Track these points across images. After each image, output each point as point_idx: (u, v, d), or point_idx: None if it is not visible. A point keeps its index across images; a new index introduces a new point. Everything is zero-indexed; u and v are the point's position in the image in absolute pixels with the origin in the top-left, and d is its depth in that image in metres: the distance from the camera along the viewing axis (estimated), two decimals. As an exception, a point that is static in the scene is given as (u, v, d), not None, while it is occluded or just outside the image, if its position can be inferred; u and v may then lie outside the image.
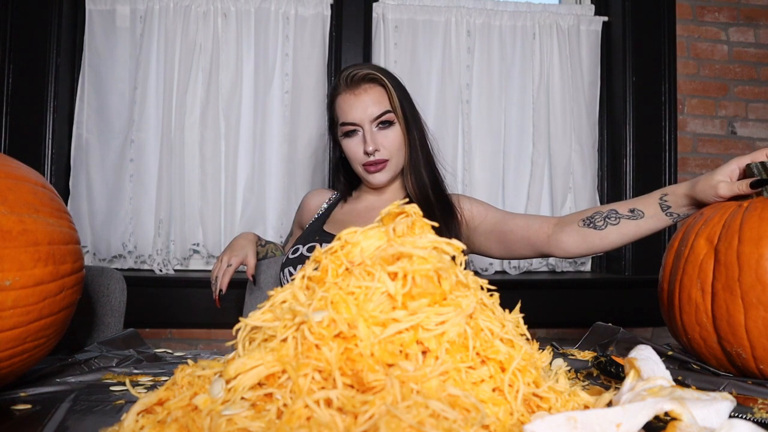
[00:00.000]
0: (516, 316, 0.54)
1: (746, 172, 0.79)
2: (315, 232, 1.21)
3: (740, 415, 0.53)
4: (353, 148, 1.15)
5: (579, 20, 2.00)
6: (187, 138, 1.85)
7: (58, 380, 0.68)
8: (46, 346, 0.65)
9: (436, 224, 0.53)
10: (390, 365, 0.44)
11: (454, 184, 1.27)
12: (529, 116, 1.99)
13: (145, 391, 0.64)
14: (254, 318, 0.49)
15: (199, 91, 1.88)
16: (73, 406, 0.58)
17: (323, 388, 0.42)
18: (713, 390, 0.57)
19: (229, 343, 0.52)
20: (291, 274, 1.13)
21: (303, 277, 0.51)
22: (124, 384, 0.67)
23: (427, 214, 1.09)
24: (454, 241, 0.51)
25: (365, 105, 1.13)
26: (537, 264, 2.00)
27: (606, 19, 2.04)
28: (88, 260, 1.82)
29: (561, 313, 1.87)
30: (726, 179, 0.81)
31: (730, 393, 0.61)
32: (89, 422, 0.54)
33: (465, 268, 0.52)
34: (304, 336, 0.44)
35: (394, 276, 0.47)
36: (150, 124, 1.85)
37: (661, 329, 1.87)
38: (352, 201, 1.27)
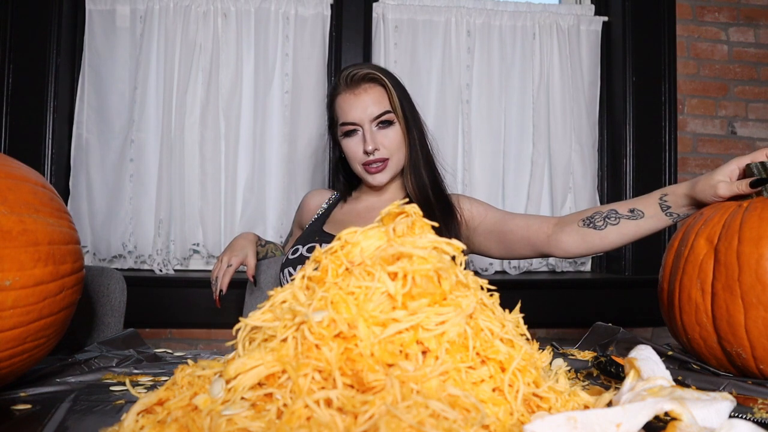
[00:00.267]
0: (516, 316, 0.54)
1: (746, 172, 0.79)
2: (315, 232, 1.21)
3: (740, 415, 0.53)
4: (353, 147, 1.15)
5: (579, 20, 2.00)
6: (187, 138, 1.85)
7: (58, 380, 0.68)
8: (46, 346, 0.65)
9: (436, 224, 0.53)
10: (390, 365, 0.44)
11: (454, 184, 1.27)
12: (529, 116, 1.99)
13: (145, 391, 0.64)
14: (254, 318, 0.49)
15: (199, 91, 1.88)
16: (73, 406, 0.58)
17: (323, 388, 0.42)
18: (713, 390, 0.57)
19: (229, 343, 0.52)
20: (291, 275, 1.13)
21: (303, 277, 0.51)
22: (124, 384, 0.67)
23: (427, 214, 1.09)
24: (454, 241, 0.51)
25: (365, 104, 1.13)
26: (537, 264, 2.00)
27: (606, 19, 2.04)
28: (88, 260, 1.82)
29: (561, 313, 1.87)
30: (726, 179, 0.81)
31: (730, 393, 0.61)
32: (89, 422, 0.54)
33: (465, 268, 0.52)
34: (304, 336, 0.44)
35: (394, 276, 0.47)
36: (150, 124, 1.85)
37: (661, 329, 1.87)
38: (352, 201, 1.27)
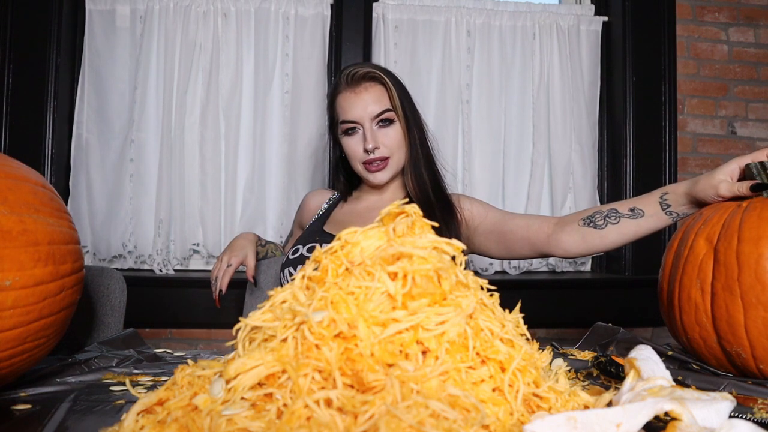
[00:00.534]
0: (516, 316, 0.54)
1: (746, 172, 0.79)
2: (315, 232, 1.21)
3: (740, 415, 0.53)
4: (353, 146, 1.15)
5: (579, 20, 2.00)
6: (187, 138, 1.85)
7: (58, 380, 0.68)
8: (46, 346, 0.65)
9: (436, 224, 0.53)
10: (390, 365, 0.44)
11: (454, 184, 1.27)
12: (529, 116, 1.99)
13: (145, 391, 0.64)
14: (254, 318, 0.49)
15: (199, 91, 1.88)
16: (73, 406, 0.58)
17: (323, 388, 0.42)
18: (713, 390, 0.57)
19: (229, 343, 0.52)
20: (291, 275, 1.13)
21: (303, 277, 0.51)
22: (124, 384, 0.67)
23: (428, 213, 1.09)
24: (454, 241, 0.51)
25: (365, 103, 1.13)
26: (537, 264, 2.00)
27: (606, 19, 2.04)
28: (88, 260, 1.82)
29: (561, 313, 1.87)
30: (727, 179, 0.81)
31: (730, 393, 0.61)
32: (89, 422, 0.54)
33: (465, 268, 0.52)
34: (304, 336, 0.44)
35: (394, 276, 0.47)
36: (150, 124, 1.85)
37: (661, 329, 1.87)
38: (352, 201, 1.27)
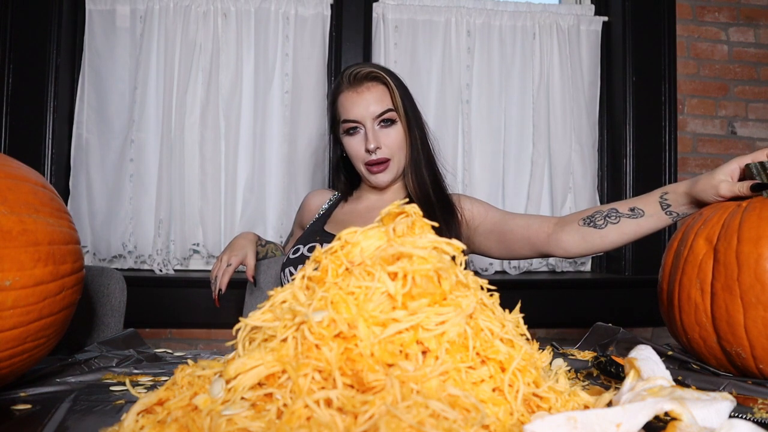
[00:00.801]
0: (516, 316, 0.54)
1: (746, 172, 0.79)
2: (316, 232, 1.21)
3: (740, 415, 0.53)
4: (355, 146, 1.15)
5: (579, 20, 2.00)
6: (187, 138, 1.85)
7: (58, 380, 0.68)
8: (46, 346, 0.65)
9: (436, 224, 0.53)
10: (390, 365, 0.44)
11: (454, 184, 1.27)
12: (529, 116, 1.99)
13: (145, 391, 0.64)
14: (254, 318, 0.49)
15: (199, 91, 1.88)
16: (73, 406, 0.58)
17: (323, 388, 0.42)
18: (713, 390, 0.57)
19: (229, 343, 0.52)
20: (292, 274, 1.13)
21: (303, 277, 0.51)
22: (124, 384, 0.67)
23: (428, 213, 1.09)
24: (454, 241, 0.51)
25: (367, 103, 1.13)
26: (537, 264, 2.00)
27: (606, 19, 2.04)
28: (88, 260, 1.82)
29: (561, 313, 1.87)
30: (727, 179, 0.81)
31: (730, 393, 0.61)
32: (89, 422, 0.54)
33: (465, 268, 0.52)
34: (304, 336, 0.44)
35: (394, 276, 0.47)
36: (150, 124, 1.85)
37: (661, 329, 1.87)
38: (353, 201, 1.27)
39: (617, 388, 0.53)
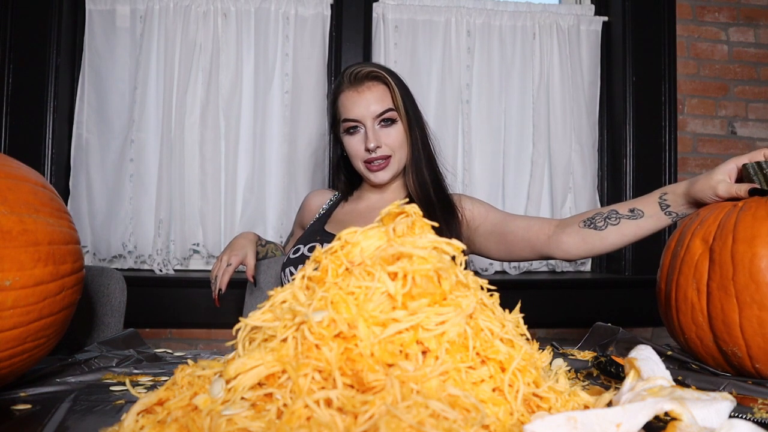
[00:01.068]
0: (516, 316, 0.54)
1: (742, 172, 0.79)
2: (316, 232, 1.21)
3: (740, 415, 0.53)
4: (355, 145, 1.16)
5: (579, 20, 2.00)
6: (187, 138, 1.85)
7: (58, 380, 0.68)
8: (46, 346, 0.65)
9: (436, 224, 0.53)
10: (390, 365, 0.44)
11: (454, 184, 1.27)
12: (529, 116, 1.99)
13: (145, 391, 0.64)
14: (254, 318, 0.49)
15: (199, 91, 1.88)
16: (73, 406, 0.58)
17: (323, 388, 0.42)
18: (713, 390, 0.57)
19: (229, 343, 0.52)
20: (292, 274, 1.13)
21: (303, 277, 0.51)
22: (124, 384, 0.67)
23: (428, 213, 1.09)
24: (454, 241, 0.51)
25: (368, 102, 1.13)
26: (537, 264, 2.00)
27: (606, 19, 2.04)
28: (88, 260, 1.82)
29: (561, 313, 1.87)
30: (725, 179, 0.81)
31: (730, 393, 0.61)
32: (89, 422, 0.54)
33: (465, 268, 0.52)
34: (304, 336, 0.44)
35: (394, 276, 0.47)
36: (150, 124, 1.85)
37: (661, 329, 1.87)
38: (353, 201, 1.27)
39: (617, 388, 0.53)
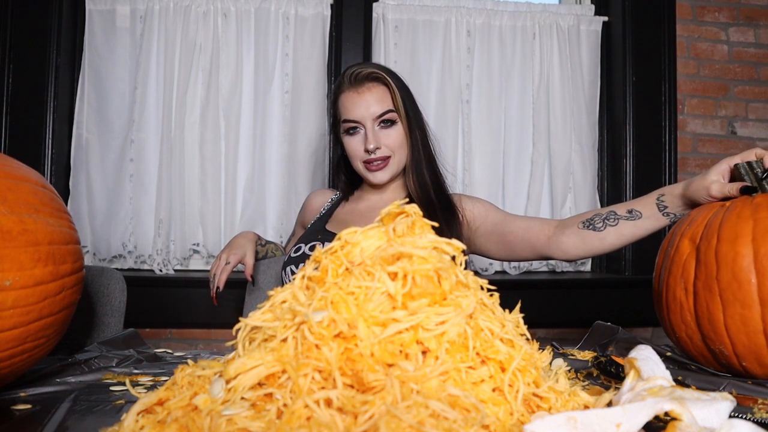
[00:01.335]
0: (516, 316, 0.54)
1: (734, 172, 0.79)
2: (317, 231, 1.21)
3: (740, 415, 0.53)
4: (354, 145, 1.16)
5: (579, 20, 2.00)
6: (187, 138, 1.85)
7: (58, 380, 0.68)
8: (46, 346, 0.65)
9: (436, 224, 0.53)
10: (390, 365, 0.44)
11: (454, 184, 1.27)
12: (529, 116, 1.99)
13: (145, 391, 0.64)
14: (254, 318, 0.49)
15: (199, 91, 1.88)
16: (73, 406, 0.58)
17: (323, 388, 0.42)
18: (713, 390, 0.57)
19: (229, 343, 0.52)
20: (293, 273, 1.14)
21: (303, 277, 0.51)
22: (124, 384, 0.67)
23: (429, 213, 1.09)
24: (454, 241, 0.51)
25: (368, 103, 1.13)
26: (537, 264, 2.00)
27: (606, 19, 2.04)
28: (88, 260, 1.82)
29: (561, 313, 1.87)
30: (719, 179, 0.82)
31: (730, 393, 0.61)
32: (89, 422, 0.54)
33: (465, 268, 0.52)
34: (304, 336, 0.44)
35: (394, 276, 0.47)
36: (150, 124, 1.85)
37: (661, 329, 1.87)
38: (354, 200, 1.27)
39: (617, 388, 0.53)
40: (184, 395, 0.46)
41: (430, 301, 0.46)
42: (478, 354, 0.47)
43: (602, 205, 2.01)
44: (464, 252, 0.52)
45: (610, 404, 0.50)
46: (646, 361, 0.54)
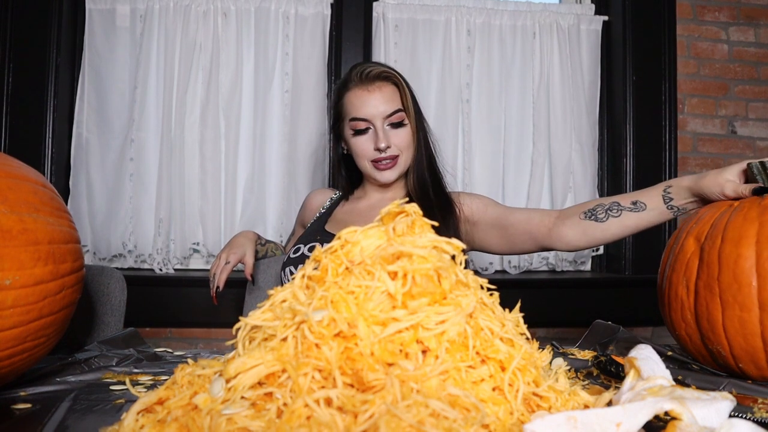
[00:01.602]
0: (516, 315, 0.54)
1: (747, 172, 0.79)
2: (316, 231, 1.21)
3: (740, 415, 0.53)
4: (362, 144, 1.15)
5: (579, 20, 2.00)
6: (187, 138, 1.85)
7: (58, 379, 0.68)
8: (46, 345, 0.65)
9: (435, 223, 0.53)
10: (390, 364, 0.44)
11: (454, 184, 1.27)
12: (529, 116, 1.99)
13: (145, 390, 0.64)
14: (254, 317, 0.49)
15: (199, 90, 1.88)
16: (73, 405, 0.58)
17: (323, 387, 0.42)
18: (713, 390, 0.57)
19: (229, 343, 0.52)
20: (292, 273, 1.13)
21: (303, 276, 0.51)
22: (124, 383, 0.67)
23: (426, 211, 1.08)
24: (454, 241, 0.51)
25: (378, 102, 1.13)
26: (537, 263, 2.00)
27: (606, 18, 2.03)
28: (88, 259, 1.82)
29: (561, 312, 1.87)
30: (735, 179, 0.80)
31: (730, 393, 0.61)
32: (89, 422, 0.54)
33: (465, 267, 0.52)
34: (304, 335, 0.44)
35: (394, 275, 0.47)
36: (150, 123, 1.85)
37: (662, 329, 1.87)
38: (354, 200, 1.27)
39: (617, 388, 0.53)
40: (184, 394, 0.46)
41: (430, 301, 0.46)
42: (478, 353, 0.47)
43: (602, 205, 2.01)
44: (464, 250, 0.52)
45: (610, 404, 0.50)
46: (646, 361, 0.54)
